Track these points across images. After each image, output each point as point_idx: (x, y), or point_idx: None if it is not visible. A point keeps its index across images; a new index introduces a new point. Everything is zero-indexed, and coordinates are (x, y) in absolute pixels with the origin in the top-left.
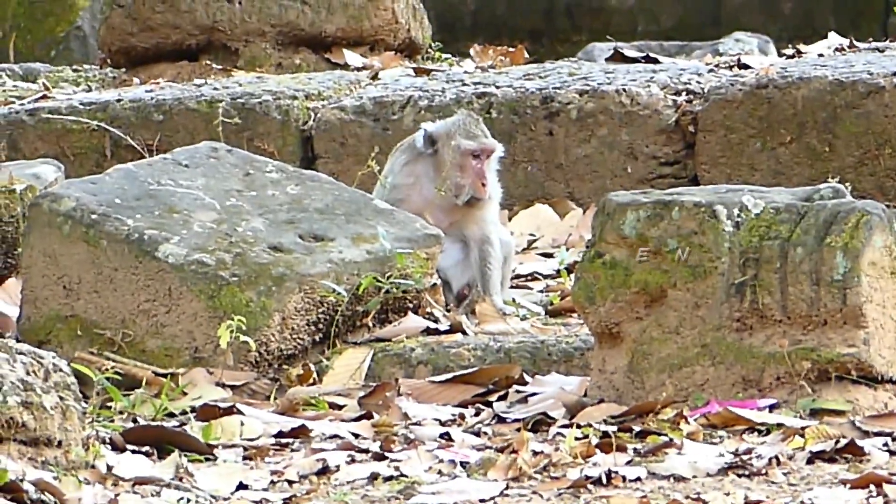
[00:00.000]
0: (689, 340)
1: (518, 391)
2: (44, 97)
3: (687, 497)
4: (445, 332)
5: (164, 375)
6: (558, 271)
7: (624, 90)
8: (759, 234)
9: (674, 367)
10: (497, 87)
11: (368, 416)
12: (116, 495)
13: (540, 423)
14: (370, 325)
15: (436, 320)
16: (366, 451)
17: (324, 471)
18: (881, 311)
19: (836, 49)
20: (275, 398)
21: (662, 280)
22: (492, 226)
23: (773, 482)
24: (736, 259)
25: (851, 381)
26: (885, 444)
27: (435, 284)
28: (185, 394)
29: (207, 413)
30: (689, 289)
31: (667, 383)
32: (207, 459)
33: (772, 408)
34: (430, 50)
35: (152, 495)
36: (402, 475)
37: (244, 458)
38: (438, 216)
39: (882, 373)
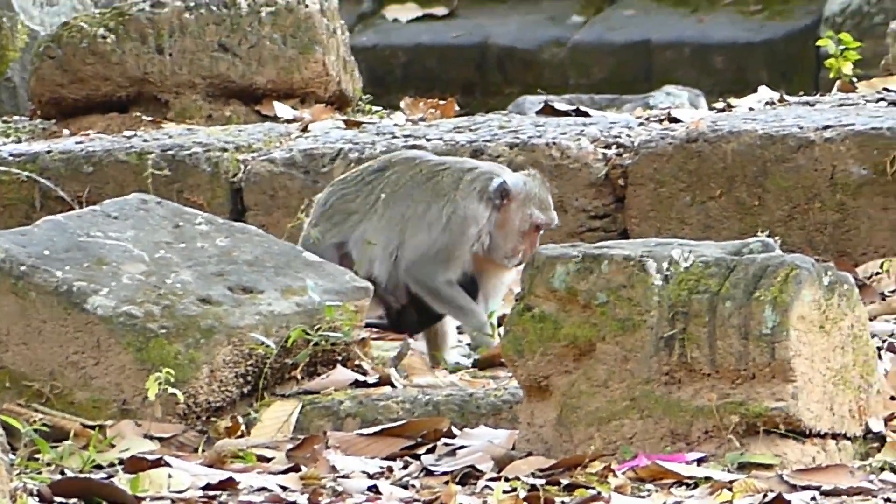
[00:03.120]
0: (618, 394)
1: (446, 444)
2: None
3: None
4: (374, 384)
5: (93, 427)
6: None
7: (554, 143)
8: (689, 288)
9: (602, 420)
10: (427, 140)
11: (296, 469)
12: None
13: (468, 477)
14: (299, 377)
15: (364, 373)
16: (294, 503)
17: None
18: (810, 365)
19: (767, 103)
20: (203, 450)
21: (591, 334)
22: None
23: None
24: (665, 313)
25: (780, 435)
26: (813, 499)
27: (364, 338)
28: (113, 446)
29: (135, 465)
30: (618, 342)
31: (595, 437)
32: None
33: (700, 461)
34: (360, 102)
35: None
36: None
37: None
38: (472, 260)
39: (810, 427)
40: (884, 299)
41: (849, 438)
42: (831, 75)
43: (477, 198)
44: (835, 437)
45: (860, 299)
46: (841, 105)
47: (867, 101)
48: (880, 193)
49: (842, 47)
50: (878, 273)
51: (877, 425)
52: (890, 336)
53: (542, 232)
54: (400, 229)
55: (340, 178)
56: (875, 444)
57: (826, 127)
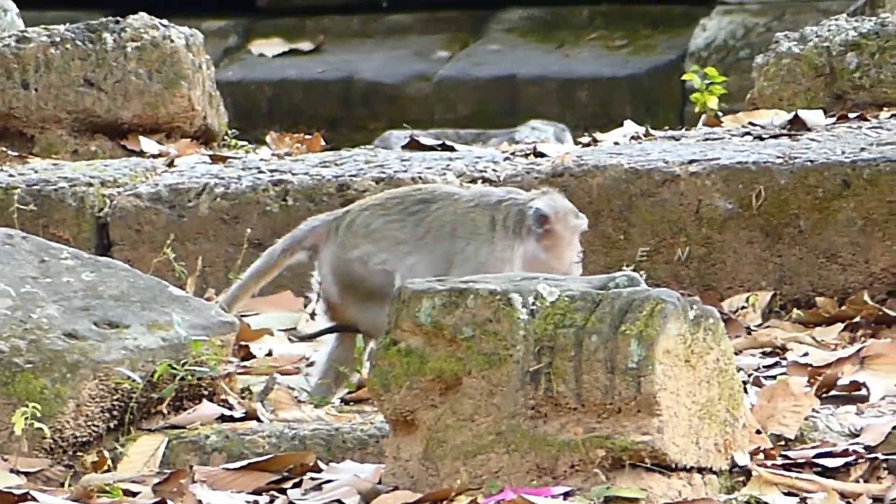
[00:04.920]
0: (484, 428)
1: (312, 478)
2: None
3: None
4: (240, 419)
5: None
6: (354, 358)
7: (420, 178)
8: (555, 323)
9: (468, 454)
10: (293, 175)
11: (163, 503)
12: None
13: None
14: (165, 412)
15: (230, 407)
16: None
17: None
18: (675, 399)
19: (633, 137)
20: (69, 485)
21: (457, 368)
22: None
23: None
24: (531, 347)
25: (645, 469)
26: None
27: (230, 372)
28: None
29: (2, 500)
30: (485, 377)
31: (461, 471)
32: None
33: (566, 495)
34: (226, 137)
35: None
36: None
37: None
38: None
39: (676, 461)
40: (749, 333)
41: (714, 472)
42: (697, 109)
43: (510, 237)
44: (700, 470)
45: (726, 333)
46: (706, 139)
47: (733, 135)
48: (745, 227)
49: (707, 82)
50: (743, 307)
51: (742, 459)
52: (756, 370)
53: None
54: (446, 267)
55: (373, 204)
56: (741, 478)
57: (691, 161)
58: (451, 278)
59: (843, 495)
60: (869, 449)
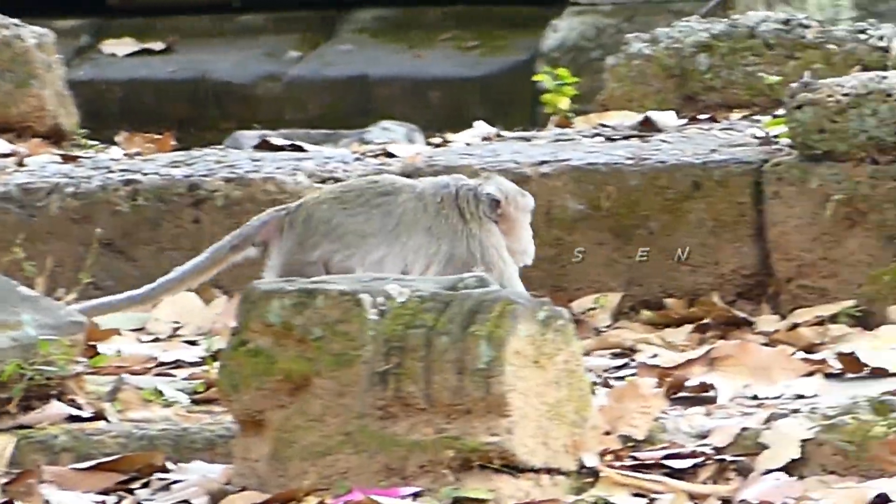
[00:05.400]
0: (333, 428)
1: (161, 479)
2: None
3: None
4: (89, 419)
5: None
6: (203, 359)
7: (271, 178)
8: (404, 323)
9: (317, 454)
10: (144, 175)
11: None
12: None
13: None
14: (13, 412)
15: (79, 407)
16: None
17: None
18: (525, 400)
19: (484, 138)
20: None
21: (307, 368)
22: None
23: None
24: (381, 347)
25: (494, 470)
26: None
27: (79, 372)
28: None
29: None
30: (334, 377)
31: (310, 471)
32: None
33: (415, 496)
34: (77, 136)
35: None
36: None
37: None
38: None
39: (525, 461)
40: (599, 334)
41: (563, 473)
42: (548, 111)
43: (484, 223)
44: (549, 471)
45: (575, 334)
46: (557, 140)
47: (584, 136)
48: (595, 228)
49: (559, 82)
50: (592, 308)
51: (591, 460)
52: (605, 371)
53: None
54: (424, 263)
55: (329, 198)
56: (589, 479)
57: (542, 162)
58: (300, 279)
59: (691, 496)
60: (717, 450)
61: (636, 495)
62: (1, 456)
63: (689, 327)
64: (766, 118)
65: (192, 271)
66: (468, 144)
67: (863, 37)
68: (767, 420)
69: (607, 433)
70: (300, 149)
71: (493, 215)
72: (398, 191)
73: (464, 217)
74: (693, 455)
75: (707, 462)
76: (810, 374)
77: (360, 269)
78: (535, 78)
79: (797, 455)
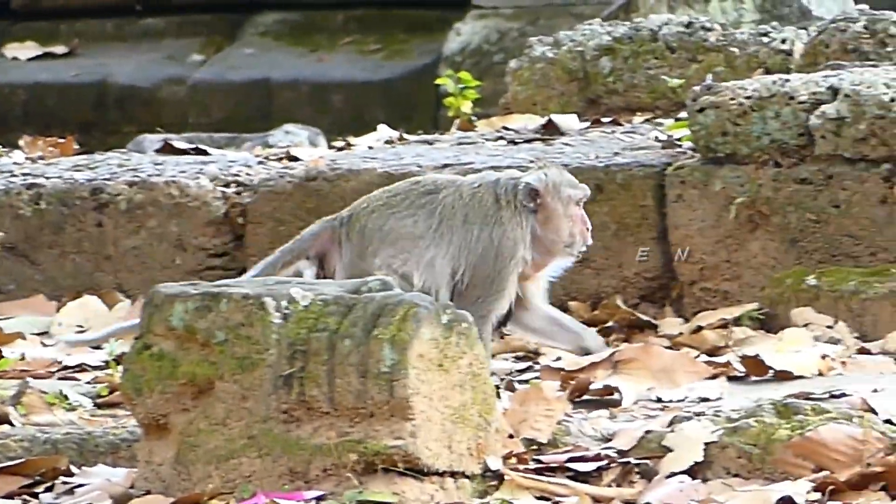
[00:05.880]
0: (237, 432)
1: (65, 482)
2: None
3: None
4: None
5: None
6: (107, 363)
7: (174, 181)
8: (308, 327)
9: (221, 458)
10: (46, 178)
11: None
12: None
13: None
14: None
15: None
16: None
17: None
18: (428, 404)
19: (387, 142)
20: None
21: (210, 372)
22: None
23: None
24: (284, 351)
25: (398, 473)
26: None
27: None
28: None
29: None
30: (237, 381)
31: (214, 475)
32: None
33: (318, 500)
34: None
35: None
36: None
37: None
38: (528, 271)
39: (429, 465)
40: (502, 337)
41: (467, 476)
42: (451, 114)
43: (518, 214)
44: (453, 475)
45: (479, 338)
46: (460, 144)
47: (486, 139)
48: None
49: (461, 86)
50: None
51: (495, 463)
52: (509, 374)
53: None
54: (464, 255)
55: (380, 205)
56: (493, 483)
57: (445, 165)
58: (204, 283)
59: (595, 499)
60: (621, 453)
61: (540, 498)
62: None
63: (592, 330)
64: (669, 121)
65: None
66: (371, 148)
67: (765, 40)
68: (671, 423)
69: (511, 436)
70: (203, 152)
71: (532, 205)
72: (439, 188)
73: (499, 203)
74: (597, 458)
75: (611, 465)
76: (714, 376)
77: (417, 272)
78: (437, 81)
79: (701, 458)
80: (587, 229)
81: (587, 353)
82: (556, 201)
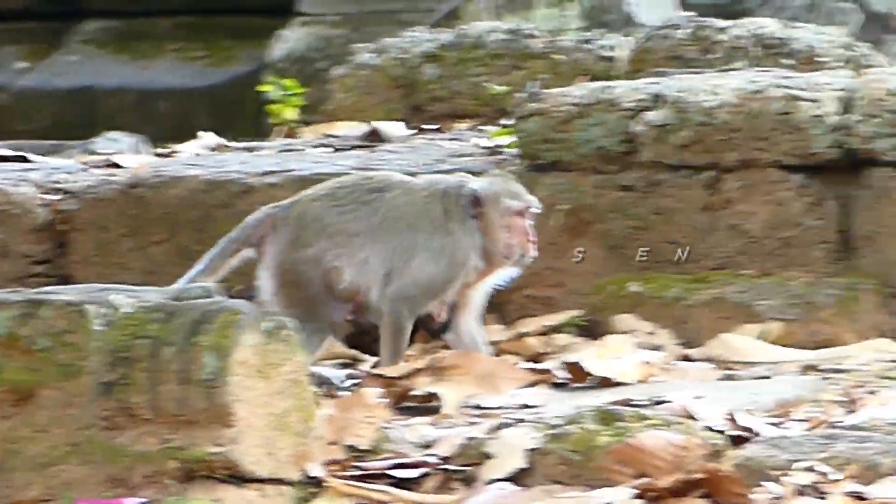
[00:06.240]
0: (59, 439)
1: None
2: None
3: None
4: None
5: None
6: None
7: None
8: (130, 333)
9: (42, 465)
10: None
11: None
12: None
13: None
14: None
15: None
16: None
17: None
18: (250, 410)
19: (211, 148)
20: None
21: (32, 379)
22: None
23: None
24: (106, 358)
25: (219, 480)
26: None
27: None
28: None
29: None
30: (60, 388)
31: (35, 482)
32: None
33: None
34: None
35: None
36: None
37: None
38: (473, 279)
39: (250, 472)
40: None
41: (288, 483)
42: (274, 121)
43: (465, 222)
44: (275, 481)
45: (301, 345)
46: (284, 151)
47: (310, 146)
48: None
49: (285, 93)
50: None
51: (316, 470)
52: (341, 381)
53: (529, 220)
54: (403, 259)
55: (324, 195)
56: (314, 489)
57: (269, 172)
58: (26, 290)
59: None
60: (442, 460)
61: None
62: None
63: (327, 340)
64: (493, 128)
65: (194, 279)
66: (196, 155)
67: (589, 46)
68: (493, 430)
69: (332, 443)
70: (26, 160)
71: (472, 212)
72: (390, 187)
73: (447, 212)
74: (418, 465)
75: (432, 472)
76: (536, 383)
77: (348, 268)
78: (261, 88)
79: (522, 464)
80: (530, 241)
81: None
82: (494, 211)
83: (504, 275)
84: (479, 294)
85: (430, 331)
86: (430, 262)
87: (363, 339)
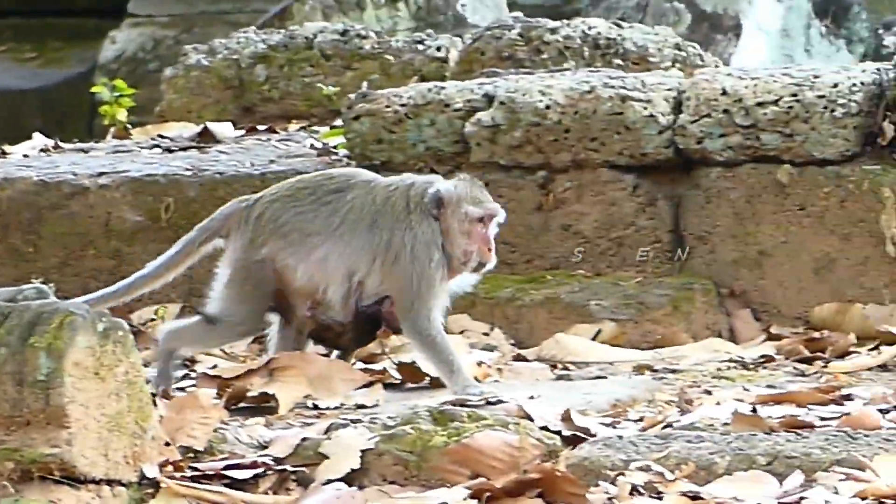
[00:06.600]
0: None
1: None
2: None
3: None
4: None
5: None
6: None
7: None
8: None
9: None
10: None
11: None
12: None
13: None
14: None
15: None
16: None
17: None
18: (85, 412)
19: (42, 150)
20: None
21: None
22: None
23: None
24: None
25: (55, 482)
26: None
27: None
28: None
29: None
30: None
31: None
32: None
33: None
34: None
35: None
36: None
37: None
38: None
39: (85, 473)
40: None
41: (124, 485)
42: (106, 122)
43: (426, 218)
44: (110, 482)
45: (136, 346)
46: (116, 152)
47: (142, 147)
48: (154, 240)
49: (116, 94)
50: (153, 319)
51: (151, 471)
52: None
53: (490, 228)
54: (368, 259)
55: (284, 195)
56: (150, 490)
57: (101, 174)
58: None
59: None
60: (278, 461)
61: None
62: None
63: (248, 338)
64: (325, 129)
65: (164, 266)
66: (26, 156)
67: (421, 47)
68: (328, 430)
69: (168, 444)
70: None
71: (435, 212)
72: (351, 187)
73: (409, 207)
74: (253, 465)
75: (267, 472)
76: (370, 384)
77: (301, 266)
78: (92, 90)
79: (357, 465)
80: (489, 249)
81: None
82: (452, 216)
83: (464, 281)
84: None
85: (395, 329)
86: (397, 263)
87: (326, 333)
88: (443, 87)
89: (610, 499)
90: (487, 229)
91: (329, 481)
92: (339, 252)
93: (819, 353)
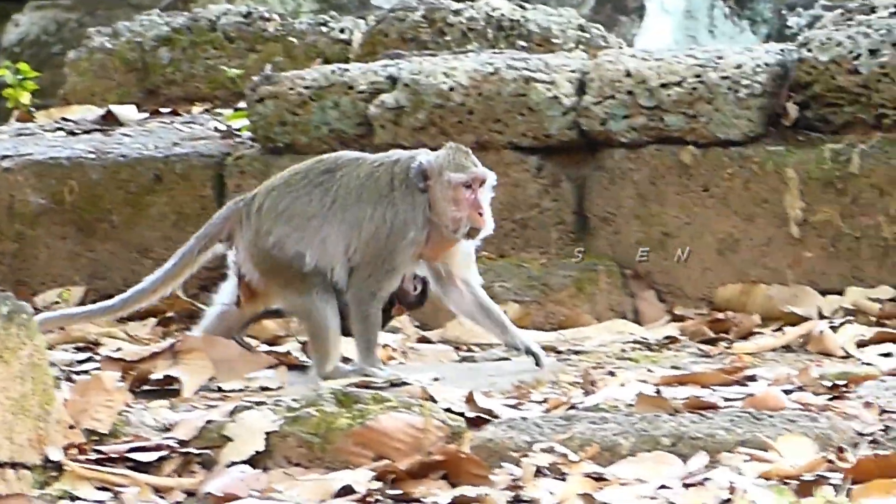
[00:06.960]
0: None
1: None
2: None
3: None
4: None
5: None
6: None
7: None
8: None
9: None
10: None
11: None
12: None
13: None
14: None
15: None
16: None
17: None
18: None
19: None
20: None
21: None
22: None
23: None
24: None
25: None
26: None
27: None
28: None
29: None
30: None
31: None
32: None
33: None
34: None
35: None
36: None
37: None
38: (432, 251)
39: None
40: (62, 328)
41: (28, 468)
42: (9, 105)
43: (411, 194)
44: (14, 466)
45: (39, 329)
46: (20, 135)
47: (45, 130)
48: (58, 223)
49: (20, 77)
50: (56, 302)
51: (55, 454)
52: (69, 365)
53: (479, 193)
54: (356, 233)
55: (280, 184)
56: (54, 473)
57: (4, 157)
58: None
59: (156, 489)
60: (182, 443)
61: (101, 489)
62: None
63: (152, 321)
64: (228, 111)
65: (163, 278)
66: None
67: (324, 29)
68: (232, 413)
69: (72, 427)
70: None
71: (422, 185)
72: (339, 167)
73: (392, 183)
74: (158, 448)
75: (172, 455)
76: (275, 366)
77: (310, 250)
78: None
79: (261, 447)
80: (480, 214)
81: (514, 348)
82: (437, 184)
83: (466, 247)
84: (459, 263)
85: (407, 304)
86: (374, 237)
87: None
88: (346, 70)
89: (514, 480)
90: (476, 194)
91: (233, 463)
92: (336, 230)
93: (723, 334)
